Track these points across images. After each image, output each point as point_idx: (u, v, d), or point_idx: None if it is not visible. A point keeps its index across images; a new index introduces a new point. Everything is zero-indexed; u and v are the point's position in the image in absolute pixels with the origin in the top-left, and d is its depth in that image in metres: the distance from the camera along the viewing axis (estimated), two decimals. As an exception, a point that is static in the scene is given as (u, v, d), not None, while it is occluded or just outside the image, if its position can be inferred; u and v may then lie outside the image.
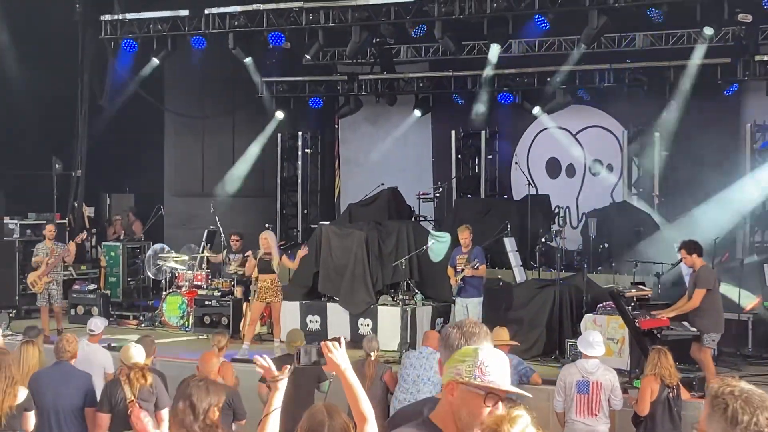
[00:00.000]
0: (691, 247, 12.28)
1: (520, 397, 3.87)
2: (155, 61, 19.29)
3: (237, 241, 17.48)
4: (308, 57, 19.19)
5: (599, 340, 10.13)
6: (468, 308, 14.28)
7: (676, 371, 9.98)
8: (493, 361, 3.87)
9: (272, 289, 15.00)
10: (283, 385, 4.85)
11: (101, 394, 8.95)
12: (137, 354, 9.06)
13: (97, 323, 11.64)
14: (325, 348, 4.56)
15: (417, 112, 22.39)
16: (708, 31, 16.17)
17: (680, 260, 12.58)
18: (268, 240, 15.19)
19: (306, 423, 4.81)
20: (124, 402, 8.62)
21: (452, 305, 14.95)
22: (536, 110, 20.91)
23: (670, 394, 9.78)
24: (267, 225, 20.53)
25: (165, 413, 8.68)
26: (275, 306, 15.16)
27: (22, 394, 8.09)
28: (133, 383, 8.64)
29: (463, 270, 14.28)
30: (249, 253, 15.79)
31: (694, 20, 16.06)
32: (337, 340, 4.65)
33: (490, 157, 21.77)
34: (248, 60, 19.26)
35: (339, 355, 4.54)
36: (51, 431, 8.86)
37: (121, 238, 20.87)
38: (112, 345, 13.19)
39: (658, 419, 9.77)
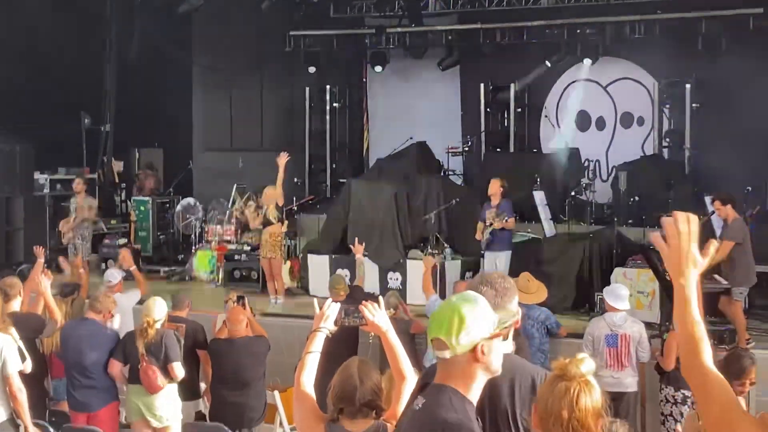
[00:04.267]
0: (725, 198, 12.14)
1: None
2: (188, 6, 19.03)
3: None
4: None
5: (626, 295, 10.09)
6: (497, 262, 14.24)
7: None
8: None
9: (271, 243, 15.05)
10: (323, 335, 4.71)
11: (118, 344, 9.29)
12: (154, 308, 9.14)
13: (114, 273, 11.77)
14: (364, 311, 4.53)
15: (439, 69, 22.10)
16: None
17: (713, 212, 12.45)
18: (267, 195, 15.20)
19: (338, 388, 4.81)
20: (136, 356, 8.96)
21: (482, 259, 14.92)
22: (561, 62, 20.63)
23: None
24: (296, 180, 20.57)
25: (176, 366, 9.00)
26: (275, 262, 15.19)
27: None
28: (141, 338, 8.96)
29: (492, 224, 14.24)
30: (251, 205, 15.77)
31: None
32: (376, 300, 4.63)
33: (519, 110, 21.57)
34: (264, 4, 19.06)
35: (379, 317, 4.52)
36: (77, 382, 9.20)
37: (140, 194, 20.83)
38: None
39: (682, 374, 9.69)
